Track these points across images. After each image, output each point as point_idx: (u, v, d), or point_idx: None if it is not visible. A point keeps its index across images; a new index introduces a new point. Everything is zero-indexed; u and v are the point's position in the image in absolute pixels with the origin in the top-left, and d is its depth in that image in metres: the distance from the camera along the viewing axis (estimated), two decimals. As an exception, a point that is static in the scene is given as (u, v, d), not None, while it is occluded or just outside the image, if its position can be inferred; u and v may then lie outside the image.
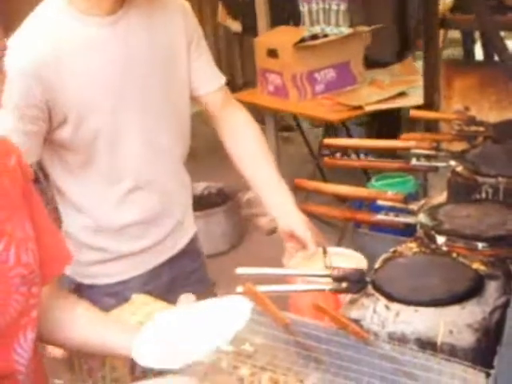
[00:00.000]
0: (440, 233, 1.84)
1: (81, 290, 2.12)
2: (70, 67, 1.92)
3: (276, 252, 2.27)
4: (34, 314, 1.43)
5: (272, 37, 5.03)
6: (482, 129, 2.53)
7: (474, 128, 2.55)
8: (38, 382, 1.50)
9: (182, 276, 2.27)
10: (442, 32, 4.36)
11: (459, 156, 2.22)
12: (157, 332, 1.50)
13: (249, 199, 5.09)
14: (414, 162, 2.35)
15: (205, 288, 2.31)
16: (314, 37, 4.92)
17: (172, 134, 2.14)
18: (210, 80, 2.27)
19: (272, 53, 4.81)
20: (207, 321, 1.52)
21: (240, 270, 1.73)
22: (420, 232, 1.92)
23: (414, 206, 2.00)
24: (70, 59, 1.92)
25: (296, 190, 2.38)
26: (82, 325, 1.55)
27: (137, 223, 2.12)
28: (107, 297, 2.10)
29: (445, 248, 1.80)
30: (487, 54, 5.31)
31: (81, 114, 1.95)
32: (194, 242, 2.36)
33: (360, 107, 4.57)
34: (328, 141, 2.81)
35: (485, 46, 5.45)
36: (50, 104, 1.91)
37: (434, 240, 1.84)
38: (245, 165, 2.21)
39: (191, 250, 2.35)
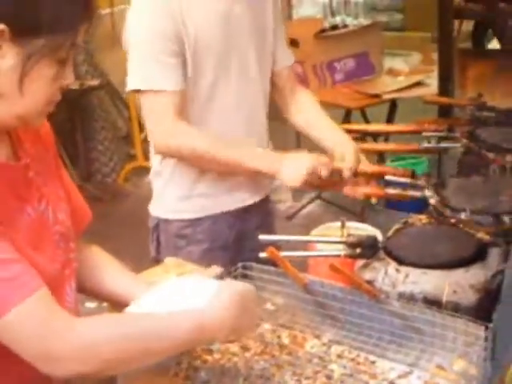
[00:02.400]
0: (446, 207, 1.99)
1: (159, 228, 2.36)
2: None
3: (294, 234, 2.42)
4: (75, 265, 1.57)
5: (293, 27, 5.18)
6: (493, 114, 2.67)
7: (485, 113, 2.69)
8: None
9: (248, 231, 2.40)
10: (457, 23, 4.47)
11: (470, 135, 2.37)
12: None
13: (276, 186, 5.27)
14: (425, 144, 2.51)
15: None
16: (335, 27, 5.06)
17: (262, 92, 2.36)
18: (286, 54, 2.46)
19: (293, 42, 4.95)
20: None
21: (262, 237, 1.87)
22: (430, 206, 2.07)
23: (422, 182, 2.14)
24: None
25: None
26: (111, 275, 1.66)
27: None
28: (179, 238, 2.32)
29: (452, 220, 1.95)
30: (500, 42, 5.42)
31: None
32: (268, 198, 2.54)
33: (378, 95, 4.71)
34: (346, 126, 2.94)
35: (497, 35, 5.56)
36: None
37: (441, 213, 1.98)
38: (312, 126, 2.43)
39: (265, 205, 2.51)
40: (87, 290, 1.67)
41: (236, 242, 2.38)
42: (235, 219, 2.37)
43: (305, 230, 2.70)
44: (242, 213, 2.38)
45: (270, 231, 2.48)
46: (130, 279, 1.66)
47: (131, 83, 2.17)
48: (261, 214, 2.47)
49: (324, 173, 2.10)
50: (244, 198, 2.38)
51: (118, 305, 1.63)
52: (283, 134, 4.15)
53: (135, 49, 2.15)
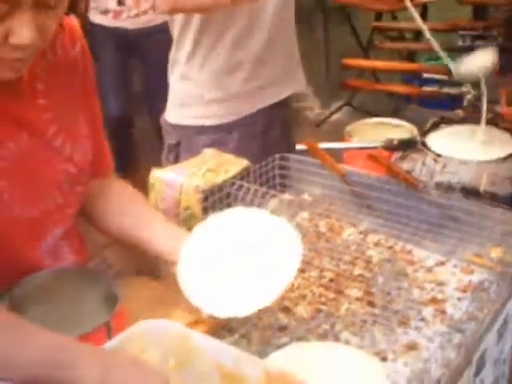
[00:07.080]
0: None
1: (180, 147, 2.21)
2: None
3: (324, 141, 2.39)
4: (69, 211, 1.40)
5: None
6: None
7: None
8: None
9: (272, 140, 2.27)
10: None
11: (506, 35, 2.33)
12: (200, 260, 1.34)
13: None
14: (460, 42, 2.48)
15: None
16: None
17: None
18: None
19: None
20: (255, 253, 1.34)
21: (299, 147, 1.86)
22: (466, 102, 2.06)
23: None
24: None
25: (344, 70, 2.50)
26: (130, 219, 1.48)
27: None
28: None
29: (489, 114, 1.94)
30: None
31: None
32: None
33: (409, -1, 4.61)
34: (378, 24, 2.91)
35: None
36: None
37: (477, 107, 1.98)
38: None
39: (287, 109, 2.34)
40: (103, 229, 1.52)
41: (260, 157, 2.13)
42: (261, 134, 2.22)
43: (334, 136, 2.71)
44: (269, 122, 2.23)
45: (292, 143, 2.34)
46: (162, 229, 1.45)
47: None
48: (284, 126, 2.33)
49: None
50: (276, 92, 2.23)
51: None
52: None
53: None
